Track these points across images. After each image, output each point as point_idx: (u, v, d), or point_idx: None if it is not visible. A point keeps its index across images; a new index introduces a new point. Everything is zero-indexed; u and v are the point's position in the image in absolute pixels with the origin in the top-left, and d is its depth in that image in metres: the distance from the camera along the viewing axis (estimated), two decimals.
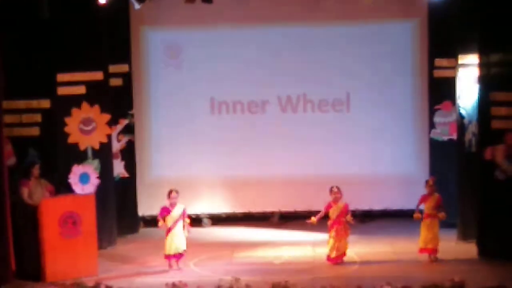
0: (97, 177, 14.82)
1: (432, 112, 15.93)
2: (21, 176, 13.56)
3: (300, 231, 15.77)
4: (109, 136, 15.11)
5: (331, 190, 13.75)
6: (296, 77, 16.38)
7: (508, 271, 12.82)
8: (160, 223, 13.47)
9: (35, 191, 13.48)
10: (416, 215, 13.74)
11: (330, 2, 16.06)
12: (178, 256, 13.51)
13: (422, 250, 13.79)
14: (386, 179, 16.31)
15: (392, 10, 16.14)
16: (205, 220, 16.58)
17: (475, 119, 14.22)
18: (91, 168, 14.77)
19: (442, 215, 13.72)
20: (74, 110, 14.67)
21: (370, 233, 15.24)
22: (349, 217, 13.66)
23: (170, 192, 13.54)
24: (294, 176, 16.36)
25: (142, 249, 14.83)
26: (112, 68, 15.30)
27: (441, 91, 15.73)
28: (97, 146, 14.87)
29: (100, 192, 14.62)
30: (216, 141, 16.45)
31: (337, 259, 13.64)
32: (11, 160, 13.83)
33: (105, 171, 14.99)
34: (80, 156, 14.73)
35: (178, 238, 13.44)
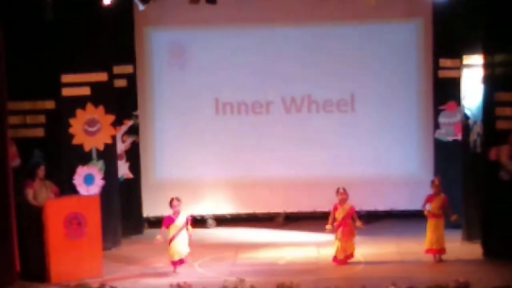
0: (102, 178, 14.83)
1: (436, 113, 15.91)
2: (25, 177, 13.57)
3: (305, 232, 15.78)
4: (113, 137, 15.12)
5: (337, 192, 13.74)
6: (301, 78, 16.37)
7: None
8: (158, 237, 13.42)
9: (39, 192, 13.49)
10: (426, 212, 13.72)
11: (334, 2, 16.04)
12: (183, 259, 13.49)
13: (428, 251, 13.77)
14: (391, 179, 16.29)
15: (396, 10, 16.12)
16: (210, 221, 16.58)
17: (480, 119, 14.20)
18: (95, 169, 14.78)
19: (454, 217, 13.70)
20: (79, 111, 14.68)
21: (374, 234, 15.22)
22: (358, 223, 13.63)
23: (171, 201, 13.51)
24: (299, 176, 16.34)
25: (146, 250, 14.82)
26: (117, 69, 15.31)
27: (445, 91, 15.71)
28: (101, 147, 14.87)
29: (105, 193, 14.63)
30: (220, 142, 16.45)
31: (344, 261, 13.62)
32: (15, 162, 13.86)
33: (110, 172, 15.00)
34: (84, 157, 14.75)
35: (181, 245, 13.41)
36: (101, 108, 14.83)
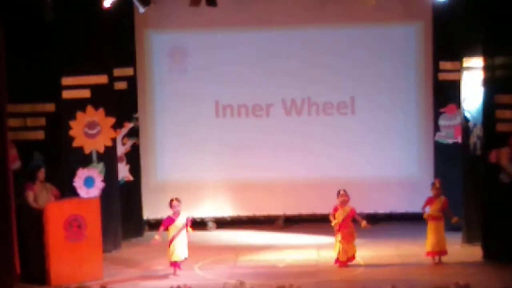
0: (102, 181, 14.83)
1: (436, 115, 15.92)
2: (26, 180, 13.57)
3: (305, 235, 15.78)
4: (114, 140, 15.13)
5: (338, 193, 13.72)
6: (301, 80, 16.38)
7: None
8: (156, 237, 13.42)
9: (40, 194, 13.49)
10: (426, 215, 13.72)
11: (334, 4, 16.06)
12: (180, 263, 13.48)
13: (429, 253, 13.76)
14: (391, 182, 16.30)
15: (396, 13, 16.14)
16: (210, 224, 16.58)
17: (480, 122, 14.20)
18: (96, 172, 14.78)
19: (455, 219, 13.70)
20: (79, 114, 14.69)
21: (374, 236, 15.20)
22: (364, 223, 13.61)
23: (171, 201, 13.50)
24: (299, 179, 16.36)
25: (147, 252, 14.81)
26: (117, 72, 15.32)
27: (445, 94, 15.72)
28: (102, 150, 14.88)
29: (105, 195, 14.64)
30: (220, 145, 16.46)
31: (346, 262, 13.60)
32: (16, 164, 13.86)
33: (110, 175, 15.00)
34: (85, 160, 14.75)
35: (181, 246, 13.40)
36: (101, 111, 14.83)
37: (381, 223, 16.25)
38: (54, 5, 14.11)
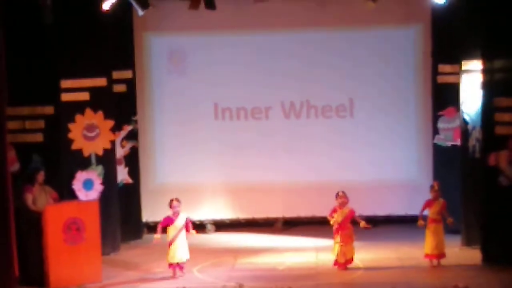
0: (101, 183, 14.83)
1: (435, 118, 15.93)
2: (25, 182, 13.56)
3: (304, 237, 15.78)
4: (112, 142, 15.12)
5: (337, 195, 13.72)
6: (299, 83, 16.39)
7: None
8: (156, 236, 13.41)
9: (39, 197, 13.49)
10: (420, 222, 13.73)
11: (333, 7, 16.07)
12: (181, 266, 13.48)
13: (427, 256, 13.76)
14: (390, 185, 16.30)
15: (395, 16, 16.14)
16: (209, 226, 16.58)
17: (479, 125, 14.20)
18: (94, 174, 14.78)
19: (450, 220, 13.69)
20: (78, 116, 14.68)
21: (373, 239, 15.21)
22: (363, 223, 13.60)
23: (171, 201, 13.50)
24: (298, 182, 16.36)
25: (146, 255, 14.82)
26: (116, 74, 15.33)
27: (444, 97, 15.72)
28: (100, 152, 14.88)
29: (104, 198, 14.63)
30: (219, 147, 16.46)
31: (345, 265, 13.59)
32: (14, 166, 13.87)
33: (109, 177, 15.00)
34: (84, 162, 14.74)
35: (181, 248, 13.40)
36: (100, 113, 14.83)
37: (380, 225, 16.25)
38: (53, 7, 14.14)
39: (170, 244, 13.40)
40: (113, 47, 15.04)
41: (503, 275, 12.99)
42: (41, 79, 14.11)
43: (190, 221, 13.67)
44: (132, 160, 16.10)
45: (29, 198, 13.40)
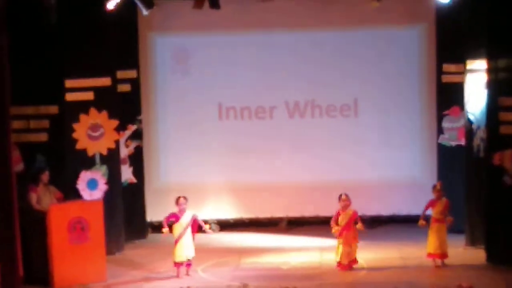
0: (105, 183, 14.84)
1: (440, 118, 15.91)
2: (29, 182, 13.59)
3: (308, 237, 15.78)
4: (117, 142, 15.13)
5: (340, 198, 13.70)
6: (304, 83, 16.38)
7: None
8: (165, 230, 13.43)
9: (43, 197, 13.52)
10: (421, 222, 13.72)
11: (337, 7, 16.06)
12: (188, 263, 13.49)
13: (430, 255, 13.75)
14: (394, 184, 16.29)
15: (400, 15, 16.12)
16: (213, 226, 16.56)
17: (483, 124, 14.20)
18: (99, 174, 14.79)
19: (449, 219, 13.68)
20: (82, 116, 14.70)
21: (377, 239, 15.21)
22: (359, 225, 13.60)
23: (178, 199, 13.52)
24: (302, 181, 16.34)
25: (150, 254, 14.84)
26: (120, 74, 15.34)
27: (449, 96, 15.70)
28: (105, 152, 14.89)
29: (108, 198, 14.64)
30: (223, 147, 16.46)
31: (348, 266, 13.58)
32: (19, 166, 13.88)
33: (113, 177, 15.01)
34: (88, 162, 14.76)
35: (187, 246, 13.42)
36: (104, 113, 14.85)
37: (384, 225, 16.26)
38: (57, 7, 14.16)
39: (176, 242, 13.41)
40: (117, 46, 15.04)
41: (507, 275, 12.99)
42: (45, 79, 14.13)
43: (197, 219, 13.64)
44: (137, 160, 16.11)
45: (33, 197, 13.43)
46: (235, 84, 16.40)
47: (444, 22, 15.52)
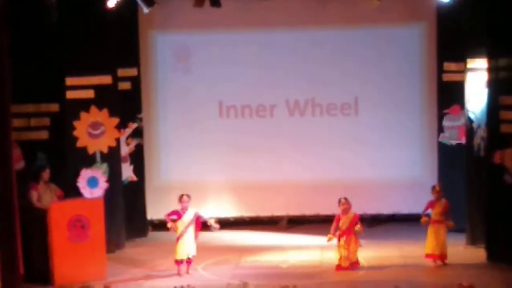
0: (106, 181, 14.84)
1: (440, 116, 15.91)
2: (30, 180, 13.59)
3: (308, 235, 15.76)
4: (117, 140, 15.13)
5: (339, 202, 13.65)
6: (304, 81, 16.38)
7: None
8: (170, 224, 13.42)
9: (44, 195, 13.52)
10: (423, 219, 13.73)
11: (338, 5, 16.06)
12: (189, 261, 13.50)
13: (428, 256, 13.75)
14: (394, 183, 16.29)
15: (400, 14, 16.12)
16: (213, 221, 16.55)
17: (484, 123, 14.20)
18: (99, 172, 14.79)
19: (450, 224, 13.67)
20: (83, 114, 14.70)
21: (377, 238, 15.20)
22: (358, 227, 13.56)
23: (181, 197, 13.52)
24: (302, 180, 16.34)
25: (150, 252, 14.85)
26: (121, 72, 15.33)
27: (449, 95, 15.70)
28: (105, 150, 14.89)
29: (109, 196, 14.64)
30: (224, 145, 16.46)
31: (350, 268, 13.53)
32: (19, 164, 13.87)
33: (114, 175, 15.01)
34: (88, 160, 14.76)
35: (189, 243, 13.43)
36: (105, 111, 14.85)
37: (385, 224, 16.27)
38: (58, 5, 14.16)
39: (178, 239, 13.41)
40: (118, 44, 15.03)
41: (507, 274, 13.00)
42: (46, 77, 14.12)
43: (200, 217, 13.63)
44: (137, 158, 16.11)
45: (34, 195, 13.43)
46: (235, 82, 16.40)
47: (445, 21, 15.52)
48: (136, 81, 15.92)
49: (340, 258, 13.53)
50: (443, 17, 15.52)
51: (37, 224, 13.18)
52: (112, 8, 14.29)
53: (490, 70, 13.87)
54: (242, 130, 16.51)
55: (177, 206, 13.56)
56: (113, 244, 14.63)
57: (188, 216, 13.48)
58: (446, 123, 15.87)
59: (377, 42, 16.25)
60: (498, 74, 13.80)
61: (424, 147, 16.29)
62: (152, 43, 16.41)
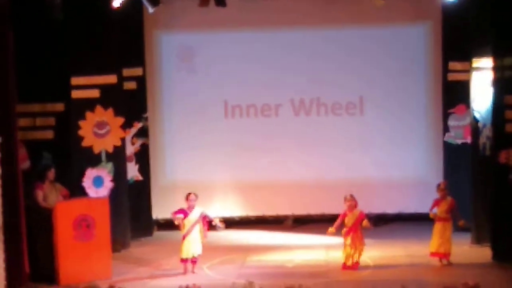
0: (111, 180, 14.86)
1: (446, 116, 15.91)
2: (35, 179, 13.59)
3: (314, 235, 15.76)
4: (123, 139, 15.15)
5: (345, 199, 13.64)
6: (309, 81, 16.40)
7: None
8: (177, 221, 13.41)
9: (49, 194, 13.52)
10: (432, 215, 13.70)
11: (343, 5, 16.08)
12: (194, 260, 13.50)
13: (433, 254, 13.73)
14: (400, 182, 16.29)
15: (406, 13, 16.13)
16: (217, 221, 16.54)
17: (489, 122, 14.17)
18: (105, 171, 14.81)
19: (461, 222, 13.64)
20: (88, 114, 14.71)
21: (383, 237, 15.20)
22: (365, 222, 13.53)
23: (188, 195, 13.50)
24: (308, 179, 16.36)
25: (156, 252, 14.85)
26: (126, 72, 15.35)
27: (455, 94, 15.70)
28: (111, 149, 14.91)
29: (114, 195, 14.66)
30: (229, 145, 16.48)
31: (353, 267, 13.53)
32: (25, 164, 13.87)
33: (119, 174, 15.02)
34: (94, 159, 14.78)
35: (195, 242, 13.43)
36: (110, 111, 14.86)
37: (390, 223, 16.26)
38: (63, 5, 14.17)
39: (183, 238, 13.41)
40: (123, 44, 15.05)
41: None
42: (51, 76, 14.13)
43: (206, 216, 13.63)
44: (142, 157, 16.12)
45: (39, 195, 13.43)
46: (240, 82, 16.42)
47: (450, 20, 15.52)
48: (141, 81, 15.94)
49: (346, 257, 13.52)
50: (449, 16, 15.52)
51: (42, 223, 13.18)
52: (117, 8, 14.30)
53: (496, 69, 13.84)
54: (247, 129, 16.53)
55: (182, 205, 13.56)
56: (118, 243, 14.63)
57: (194, 215, 13.47)
58: (451, 122, 15.87)
59: (382, 41, 16.26)
60: (503, 74, 13.77)
61: (429, 146, 16.30)
62: (157, 43, 16.44)
